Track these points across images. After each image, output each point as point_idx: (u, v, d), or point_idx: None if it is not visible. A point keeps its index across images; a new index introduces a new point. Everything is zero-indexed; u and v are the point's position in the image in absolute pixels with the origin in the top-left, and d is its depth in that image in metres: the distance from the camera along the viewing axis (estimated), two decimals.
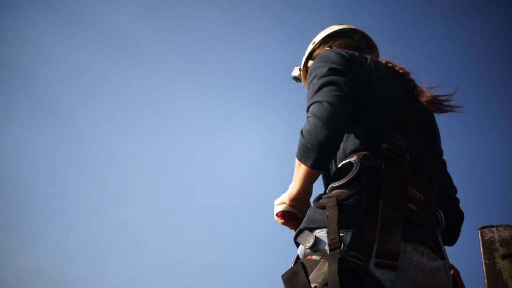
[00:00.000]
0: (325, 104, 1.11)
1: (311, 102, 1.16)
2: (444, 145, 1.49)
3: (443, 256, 1.19)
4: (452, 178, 1.49)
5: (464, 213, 1.44)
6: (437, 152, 1.36)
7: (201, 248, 6.66)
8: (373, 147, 1.18)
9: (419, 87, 1.39)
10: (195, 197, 7.12)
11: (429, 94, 1.36)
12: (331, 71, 1.22)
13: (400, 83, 1.36)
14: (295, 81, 1.75)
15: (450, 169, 1.49)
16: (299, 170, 1.17)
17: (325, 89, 1.16)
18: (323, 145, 1.08)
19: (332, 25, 1.68)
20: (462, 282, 1.20)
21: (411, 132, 1.24)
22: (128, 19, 6.87)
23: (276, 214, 1.33)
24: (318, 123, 1.09)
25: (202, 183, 7.21)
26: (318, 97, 1.15)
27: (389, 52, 1.63)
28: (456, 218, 1.41)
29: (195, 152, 7.16)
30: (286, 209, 1.29)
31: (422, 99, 1.35)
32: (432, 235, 1.18)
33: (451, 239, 1.41)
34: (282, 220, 1.33)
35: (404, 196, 1.13)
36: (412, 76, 1.42)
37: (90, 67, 6.94)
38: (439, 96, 1.37)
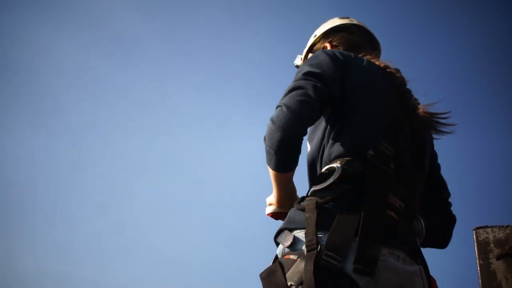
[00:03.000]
0: (283, 108, 1.14)
1: (277, 105, 1.19)
2: (443, 145, 1.49)
3: (420, 263, 1.20)
4: (449, 178, 1.49)
5: (459, 214, 1.45)
6: (425, 162, 1.36)
7: (202, 248, 6.68)
8: (358, 154, 1.18)
9: (415, 99, 1.38)
10: (196, 197, 7.14)
11: (425, 111, 1.34)
12: (306, 75, 1.23)
13: (395, 90, 1.35)
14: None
15: (448, 168, 1.50)
16: (271, 175, 1.22)
17: (292, 93, 1.18)
18: (278, 149, 1.11)
19: (334, 18, 1.65)
20: None
21: (400, 141, 1.24)
22: (129, 19, 6.89)
23: (267, 215, 1.38)
24: (273, 127, 1.12)
25: (203, 183, 7.23)
26: (281, 101, 1.18)
27: (389, 52, 1.63)
28: (448, 221, 1.42)
29: (196, 152, 7.18)
30: (275, 211, 1.34)
31: (418, 114, 1.34)
32: (410, 242, 1.19)
33: (443, 242, 1.43)
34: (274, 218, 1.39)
35: (385, 203, 1.14)
36: (409, 84, 1.40)
37: (91, 67, 6.96)
38: (434, 114, 1.35)
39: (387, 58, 1.56)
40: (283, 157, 1.13)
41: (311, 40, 1.65)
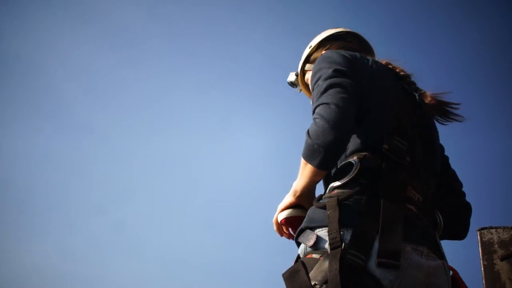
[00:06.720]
0: (332, 106, 1.13)
1: (317, 103, 1.17)
2: (444, 145, 1.49)
3: (442, 257, 1.19)
4: None
5: None
6: (436, 155, 1.35)
7: (201, 247, 6.68)
8: (373, 148, 1.18)
9: (421, 90, 1.38)
10: (195, 196, 7.14)
11: (435, 99, 1.35)
12: (336, 72, 1.22)
13: (401, 85, 1.36)
14: (290, 87, 1.75)
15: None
16: (305, 169, 1.18)
17: (331, 91, 1.17)
18: (330, 147, 1.10)
19: (329, 28, 1.66)
20: (463, 282, 1.21)
21: (411, 134, 1.24)
22: (132, 17, 6.88)
23: (280, 222, 1.29)
24: (326, 125, 1.10)
25: (203, 183, 7.23)
26: (324, 99, 1.16)
27: (389, 52, 1.63)
28: (464, 211, 1.41)
29: (196, 152, 7.17)
30: (292, 215, 1.26)
31: (427, 103, 1.34)
32: (431, 236, 1.18)
33: (461, 233, 1.41)
34: (284, 228, 1.31)
35: (404, 197, 1.14)
36: (413, 78, 1.40)
37: (94, 64, 6.95)
38: (446, 102, 1.36)
39: (386, 57, 1.57)
40: (332, 155, 1.12)
41: (307, 51, 1.65)
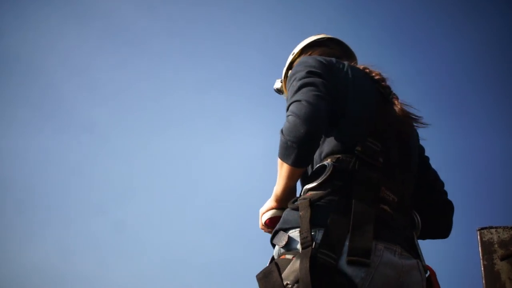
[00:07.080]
0: (304, 102, 1.15)
1: (290, 101, 1.20)
2: (444, 145, 1.50)
3: (417, 256, 1.21)
4: (452, 178, 1.51)
5: (463, 215, 1.46)
6: (413, 156, 1.38)
7: (201, 247, 6.68)
8: (347, 150, 1.21)
9: (394, 94, 1.42)
10: (195, 196, 7.14)
11: (401, 106, 1.38)
12: (309, 73, 1.26)
13: (376, 89, 1.39)
14: (277, 94, 1.78)
15: (449, 169, 1.51)
16: (282, 170, 1.20)
17: (304, 89, 1.20)
18: (303, 141, 1.11)
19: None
20: (438, 284, 1.23)
21: (385, 136, 1.27)
22: (132, 17, 6.88)
23: (265, 222, 1.33)
24: (297, 120, 1.12)
25: (203, 183, 7.23)
26: (297, 97, 1.18)
27: (389, 53, 1.64)
28: (446, 209, 1.43)
29: (196, 152, 7.17)
30: (275, 215, 1.29)
31: (395, 107, 1.37)
32: (406, 236, 1.20)
33: (445, 231, 1.43)
34: (270, 229, 1.33)
35: (377, 197, 1.16)
36: (388, 82, 1.44)
37: (94, 64, 6.94)
38: (409, 113, 1.39)
39: (386, 56, 1.59)
40: (305, 150, 1.13)
41: (290, 58, 1.68)
